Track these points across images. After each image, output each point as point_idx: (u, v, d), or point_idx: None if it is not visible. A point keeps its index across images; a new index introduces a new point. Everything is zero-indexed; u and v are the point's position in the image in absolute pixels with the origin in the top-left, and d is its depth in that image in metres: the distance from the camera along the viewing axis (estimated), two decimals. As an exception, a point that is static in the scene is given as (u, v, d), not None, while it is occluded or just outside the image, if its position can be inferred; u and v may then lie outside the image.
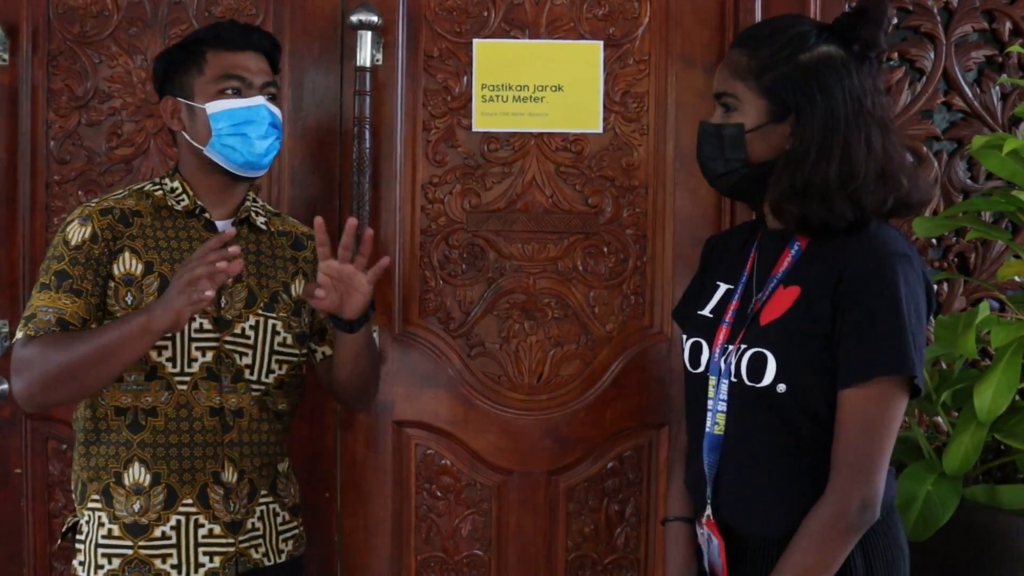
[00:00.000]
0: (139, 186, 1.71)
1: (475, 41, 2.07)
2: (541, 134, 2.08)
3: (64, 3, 2.07)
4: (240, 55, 1.64)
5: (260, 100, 1.64)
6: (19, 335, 1.55)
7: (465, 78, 2.08)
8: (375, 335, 2.00)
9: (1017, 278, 1.96)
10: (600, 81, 2.07)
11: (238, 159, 1.63)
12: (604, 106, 2.07)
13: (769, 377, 1.33)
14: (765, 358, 1.34)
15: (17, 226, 2.08)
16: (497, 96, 2.07)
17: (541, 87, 2.07)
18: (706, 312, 1.49)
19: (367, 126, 2.00)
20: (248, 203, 1.72)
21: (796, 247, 1.39)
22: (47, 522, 2.09)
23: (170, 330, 1.49)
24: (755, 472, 1.37)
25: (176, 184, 1.67)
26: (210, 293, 1.44)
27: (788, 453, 1.35)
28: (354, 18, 1.97)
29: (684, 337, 1.51)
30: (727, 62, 1.41)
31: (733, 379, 1.38)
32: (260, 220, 1.73)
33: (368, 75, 2.00)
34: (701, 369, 1.45)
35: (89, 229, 1.59)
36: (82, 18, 2.07)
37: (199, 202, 1.66)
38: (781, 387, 1.32)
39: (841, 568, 1.32)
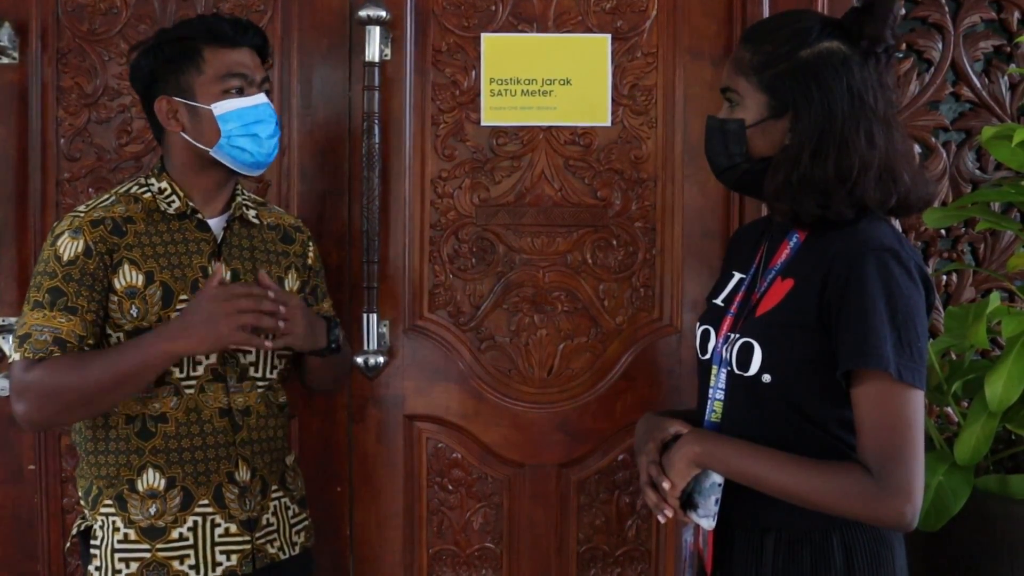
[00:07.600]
0: (124, 189, 1.64)
1: (483, 35, 2.07)
2: (550, 128, 2.08)
3: (73, 1, 2.08)
4: (237, 52, 1.59)
5: (263, 98, 1.61)
6: (16, 356, 1.50)
7: (473, 72, 2.08)
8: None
9: (1027, 268, 1.96)
10: (608, 74, 2.07)
11: (247, 159, 1.60)
12: (612, 99, 2.08)
13: (755, 367, 1.33)
14: (752, 348, 1.34)
15: (28, 223, 2.08)
16: (505, 90, 2.08)
17: (549, 81, 2.07)
18: (718, 301, 1.50)
19: (376, 121, 2.00)
20: (239, 198, 1.69)
21: (795, 240, 1.39)
22: (61, 518, 2.10)
23: (196, 353, 1.52)
24: None
25: (164, 184, 1.62)
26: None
27: (775, 444, 1.31)
28: (362, 13, 1.97)
29: (696, 325, 1.52)
30: (733, 58, 1.42)
31: (729, 367, 1.39)
32: (251, 214, 1.71)
33: (377, 70, 2.00)
34: (707, 356, 1.46)
35: (81, 243, 1.53)
36: (91, 16, 2.08)
37: (191, 203, 1.62)
38: (766, 377, 1.32)
39: (819, 559, 1.30)
